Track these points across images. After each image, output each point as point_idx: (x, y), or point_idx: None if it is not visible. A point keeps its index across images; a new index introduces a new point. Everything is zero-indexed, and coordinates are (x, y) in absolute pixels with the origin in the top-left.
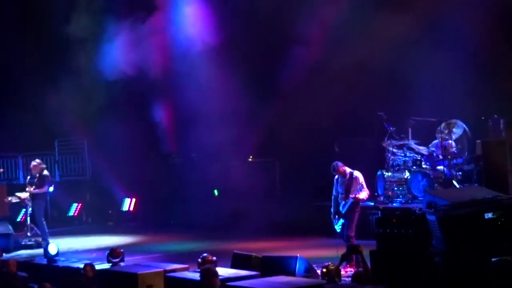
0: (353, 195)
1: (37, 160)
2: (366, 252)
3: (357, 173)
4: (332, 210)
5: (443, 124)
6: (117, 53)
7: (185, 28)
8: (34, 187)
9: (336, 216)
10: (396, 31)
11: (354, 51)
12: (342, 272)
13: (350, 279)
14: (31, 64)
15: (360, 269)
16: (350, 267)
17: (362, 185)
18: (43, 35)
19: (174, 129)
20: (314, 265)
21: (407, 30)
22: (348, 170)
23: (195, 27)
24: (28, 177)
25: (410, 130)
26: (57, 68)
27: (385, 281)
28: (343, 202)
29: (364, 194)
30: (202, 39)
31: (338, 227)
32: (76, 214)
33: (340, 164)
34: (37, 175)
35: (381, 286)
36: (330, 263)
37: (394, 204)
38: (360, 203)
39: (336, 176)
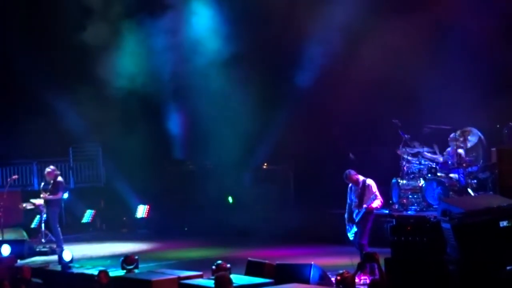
0: (366, 205)
1: (51, 167)
2: (381, 260)
3: (369, 181)
4: (346, 217)
5: (458, 132)
6: (133, 60)
7: (201, 36)
8: (48, 193)
9: (350, 224)
10: (411, 39)
11: (368, 59)
12: (356, 280)
13: (364, 287)
14: (46, 71)
15: (376, 277)
16: (364, 275)
17: (375, 194)
18: (59, 42)
19: (188, 136)
20: (328, 273)
21: (423, 38)
22: (361, 178)
23: (211, 36)
24: (42, 184)
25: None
26: (72, 75)
27: None
28: (357, 210)
29: (377, 203)
30: (217, 46)
31: (351, 235)
32: (90, 220)
33: (353, 172)
34: (51, 181)
35: None
36: (344, 270)
37: (409, 212)
38: (374, 212)
39: (350, 184)
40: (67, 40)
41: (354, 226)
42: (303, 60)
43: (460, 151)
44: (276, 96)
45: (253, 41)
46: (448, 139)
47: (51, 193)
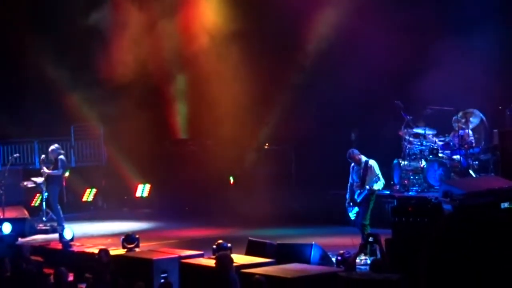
0: (369, 186)
1: (56, 145)
2: (382, 241)
3: (372, 162)
4: (347, 197)
5: (460, 114)
6: (136, 40)
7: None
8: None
9: (351, 204)
10: (414, 19)
11: (372, 39)
12: (357, 260)
13: (364, 267)
14: (47, 51)
15: (377, 257)
16: (364, 255)
17: (378, 176)
18: (60, 21)
19: (190, 116)
20: (329, 253)
21: (425, 18)
22: (363, 158)
23: (214, 13)
24: (43, 156)
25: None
26: (74, 54)
27: (400, 269)
28: (358, 191)
29: (379, 185)
30: (221, 25)
31: (352, 215)
32: (91, 199)
33: (356, 152)
34: (54, 159)
35: (396, 274)
36: (345, 251)
37: (410, 193)
38: (376, 193)
39: (352, 164)
40: (71, 21)
41: (356, 207)
42: (307, 40)
43: (467, 131)
44: (279, 76)
45: (257, 20)
46: (452, 120)
47: (52, 169)
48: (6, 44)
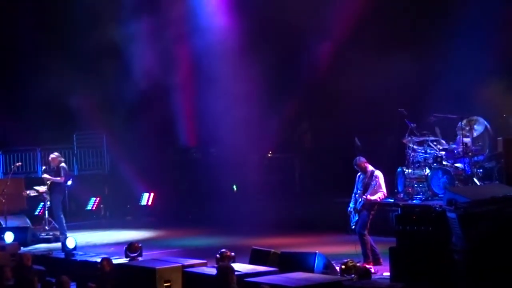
0: (365, 196)
1: (56, 153)
2: (386, 249)
3: (378, 173)
4: (350, 205)
5: (464, 121)
6: (138, 50)
7: (206, 21)
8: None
9: (353, 212)
10: (418, 28)
11: (375, 47)
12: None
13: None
14: (50, 59)
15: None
16: (368, 264)
17: (379, 184)
18: (63, 29)
19: (193, 124)
20: (333, 262)
21: (429, 26)
22: (370, 168)
23: (215, 20)
24: (44, 167)
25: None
26: (77, 63)
27: (404, 278)
28: (360, 200)
29: (377, 196)
30: (222, 31)
31: (353, 223)
32: (94, 208)
33: (362, 159)
34: (55, 168)
35: (400, 283)
36: (349, 259)
37: (414, 201)
38: (375, 202)
39: (359, 173)
40: (73, 31)
41: (356, 215)
42: (309, 48)
43: (466, 140)
44: (283, 84)
45: (260, 27)
46: (456, 128)
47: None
48: (8, 51)
